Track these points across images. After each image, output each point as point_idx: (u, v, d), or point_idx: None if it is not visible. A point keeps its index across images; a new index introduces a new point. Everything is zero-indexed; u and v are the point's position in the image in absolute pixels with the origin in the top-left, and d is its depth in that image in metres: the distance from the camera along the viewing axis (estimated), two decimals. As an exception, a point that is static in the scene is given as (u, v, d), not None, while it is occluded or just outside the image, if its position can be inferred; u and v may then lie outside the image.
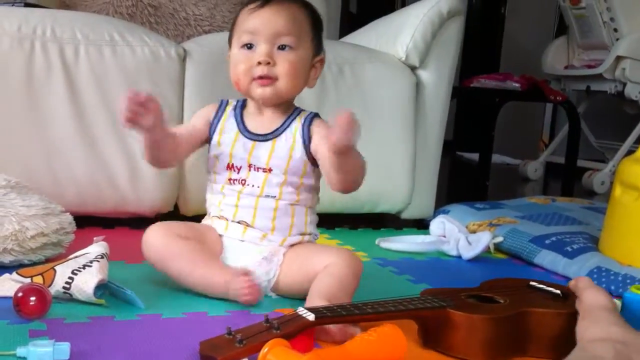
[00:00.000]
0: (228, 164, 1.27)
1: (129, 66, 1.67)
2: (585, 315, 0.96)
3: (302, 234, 1.28)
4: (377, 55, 1.98)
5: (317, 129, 1.26)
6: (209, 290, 1.20)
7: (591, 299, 0.99)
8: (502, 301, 1.08)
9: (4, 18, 1.61)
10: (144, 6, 2.14)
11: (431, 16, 1.95)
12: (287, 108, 1.29)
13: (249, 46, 1.24)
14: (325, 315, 0.98)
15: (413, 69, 1.98)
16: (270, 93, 1.23)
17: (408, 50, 1.96)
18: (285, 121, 1.27)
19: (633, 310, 1.09)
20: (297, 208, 1.27)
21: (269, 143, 1.26)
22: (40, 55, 1.61)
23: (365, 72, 1.91)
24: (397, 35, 2.00)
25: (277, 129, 1.27)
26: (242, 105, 1.31)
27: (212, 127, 1.29)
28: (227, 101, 1.32)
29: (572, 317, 1.01)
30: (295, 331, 0.93)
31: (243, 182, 1.26)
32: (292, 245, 1.27)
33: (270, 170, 1.25)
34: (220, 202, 1.28)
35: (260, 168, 1.25)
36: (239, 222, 1.26)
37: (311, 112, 1.30)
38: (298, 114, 1.29)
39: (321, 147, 1.22)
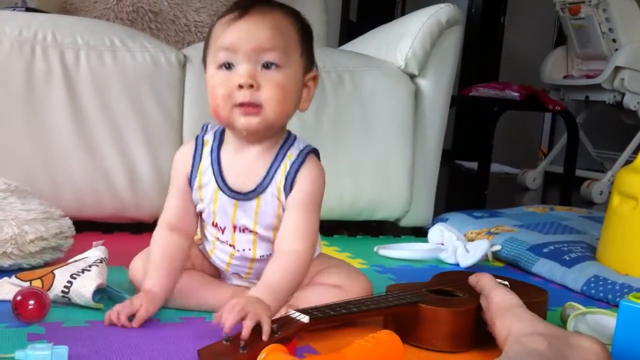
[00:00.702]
0: (213, 222, 1.13)
1: (129, 72, 1.68)
2: (501, 313, 0.99)
3: None
4: (376, 63, 1.99)
5: (298, 181, 1.09)
6: (212, 310, 1.14)
7: (503, 298, 1.02)
8: (460, 294, 1.14)
9: (5, 23, 1.61)
10: (145, 12, 2.15)
11: (430, 25, 1.96)
12: (276, 139, 1.11)
13: (228, 66, 1.05)
14: (317, 316, 0.99)
15: (412, 77, 1.99)
16: (256, 124, 1.05)
17: (407, 59, 1.97)
18: (270, 168, 1.10)
19: (629, 318, 1.09)
20: None
21: (253, 203, 1.10)
22: (41, 60, 1.61)
23: (364, 80, 1.92)
24: (397, 44, 2.01)
25: (261, 183, 1.09)
26: (219, 141, 1.13)
27: (190, 178, 1.13)
28: (204, 138, 1.14)
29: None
30: (292, 334, 0.94)
31: (232, 246, 1.14)
32: None
33: (257, 233, 1.12)
34: (212, 250, 1.18)
35: (247, 229, 1.12)
36: (234, 273, 1.19)
37: (302, 152, 1.11)
38: (286, 152, 1.11)
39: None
